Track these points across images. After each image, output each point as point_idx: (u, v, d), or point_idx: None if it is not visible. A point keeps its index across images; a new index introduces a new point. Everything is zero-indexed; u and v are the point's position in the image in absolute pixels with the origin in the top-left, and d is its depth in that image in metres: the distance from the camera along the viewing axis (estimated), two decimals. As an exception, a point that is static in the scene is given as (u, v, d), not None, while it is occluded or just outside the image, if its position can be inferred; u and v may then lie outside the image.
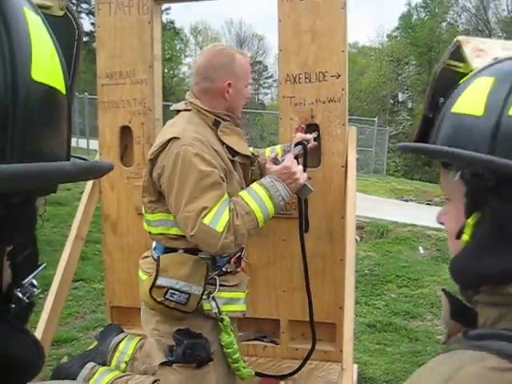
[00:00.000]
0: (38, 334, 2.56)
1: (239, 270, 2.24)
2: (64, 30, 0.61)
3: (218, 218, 1.91)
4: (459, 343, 0.68)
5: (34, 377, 0.59)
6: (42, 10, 0.54)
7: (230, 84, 2.10)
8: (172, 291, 2.02)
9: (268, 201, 2.03)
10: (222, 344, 2.12)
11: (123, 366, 2.58)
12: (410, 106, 34.89)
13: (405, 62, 33.49)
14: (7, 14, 0.48)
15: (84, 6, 29.65)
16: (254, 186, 2.07)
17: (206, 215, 1.90)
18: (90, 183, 2.99)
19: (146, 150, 2.89)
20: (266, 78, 41.25)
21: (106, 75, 2.89)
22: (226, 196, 1.97)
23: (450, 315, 0.78)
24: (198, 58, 2.20)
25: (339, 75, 2.58)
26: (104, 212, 3.06)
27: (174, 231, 2.07)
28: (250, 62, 2.33)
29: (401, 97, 35.82)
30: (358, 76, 31.76)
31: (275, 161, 2.17)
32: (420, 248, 7.90)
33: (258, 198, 2.02)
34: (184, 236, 2.00)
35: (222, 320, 2.11)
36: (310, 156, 2.42)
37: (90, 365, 2.55)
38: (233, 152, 2.13)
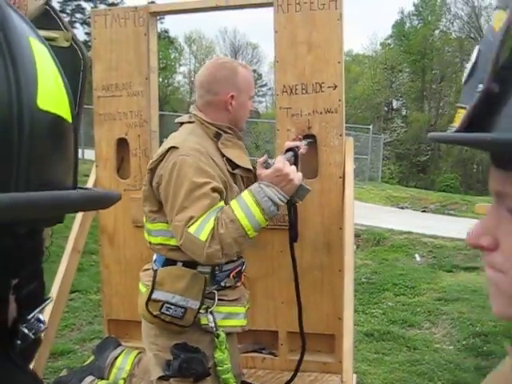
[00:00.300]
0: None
1: (239, 284, 2.23)
2: (70, 60, 0.61)
3: (202, 228, 1.90)
4: None
5: None
6: (47, 41, 0.53)
7: (232, 96, 2.12)
8: (168, 305, 2.00)
9: (255, 207, 1.96)
10: (215, 361, 2.09)
11: (121, 382, 2.56)
12: (404, 113, 35.07)
13: (398, 69, 33.70)
14: (13, 43, 0.47)
15: (78, 15, 29.71)
16: (243, 193, 2.03)
17: (192, 224, 1.90)
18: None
19: (142, 162, 2.89)
20: (261, 86, 41.33)
21: (102, 87, 2.88)
22: (217, 206, 1.95)
23: None
24: (200, 72, 2.21)
25: (336, 86, 2.59)
26: (101, 224, 3.04)
27: (173, 242, 2.05)
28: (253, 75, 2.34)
29: (395, 104, 35.98)
30: (352, 84, 31.90)
31: (266, 165, 2.09)
32: (416, 255, 7.91)
33: (244, 206, 1.96)
34: None
35: (217, 336, 2.08)
36: (307, 167, 2.42)
37: (90, 378, 2.53)
38: (233, 165, 2.13)
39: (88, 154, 11.86)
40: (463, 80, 0.55)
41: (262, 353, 2.90)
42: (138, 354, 2.66)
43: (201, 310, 2.05)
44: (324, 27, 2.57)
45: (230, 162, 2.11)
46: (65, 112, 0.53)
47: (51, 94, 0.51)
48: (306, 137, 2.62)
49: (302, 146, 2.34)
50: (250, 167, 2.22)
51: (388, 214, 10.82)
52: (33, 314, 0.56)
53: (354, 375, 2.69)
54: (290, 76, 2.63)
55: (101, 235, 3.05)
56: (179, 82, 40.82)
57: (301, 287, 2.53)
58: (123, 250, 3.00)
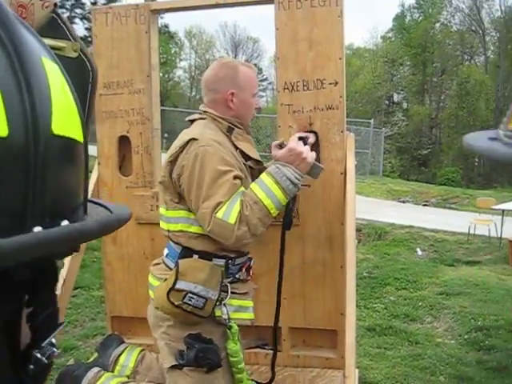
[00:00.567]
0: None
1: (249, 278, 2.28)
2: (77, 71, 0.60)
3: (230, 211, 1.98)
4: None
5: None
6: (54, 51, 0.52)
7: (232, 93, 2.18)
8: (190, 295, 2.03)
9: (275, 187, 2.06)
10: (228, 352, 2.13)
11: (125, 379, 2.58)
12: (405, 106, 35.01)
13: (399, 62, 33.61)
14: (27, 66, 0.47)
15: (78, 11, 29.60)
16: (262, 175, 2.12)
17: (219, 210, 1.97)
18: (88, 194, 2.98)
19: (144, 160, 2.90)
20: (261, 80, 41.25)
21: (104, 85, 2.88)
22: (240, 190, 2.04)
23: None
24: (206, 72, 2.29)
25: (337, 82, 2.59)
26: (103, 221, 3.05)
27: (193, 229, 2.10)
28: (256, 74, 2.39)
29: (396, 97, 35.95)
30: (352, 77, 31.81)
31: (280, 145, 2.25)
32: (418, 250, 7.92)
33: (264, 187, 2.06)
34: (203, 235, 2.06)
35: (230, 327, 2.12)
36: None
37: (96, 369, 2.55)
38: (246, 157, 2.22)
39: (90, 149, 11.84)
40: None
41: (264, 349, 2.91)
42: (141, 351, 2.67)
43: (216, 302, 2.09)
44: (325, 24, 2.57)
45: (243, 154, 2.20)
46: (77, 133, 0.54)
47: (65, 117, 0.51)
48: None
49: (311, 135, 2.42)
50: (260, 159, 2.32)
51: (389, 208, 10.84)
52: (47, 340, 0.56)
53: (356, 370, 2.70)
54: (291, 73, 2.64)
55: (103, 232, 3.06)
56: (180, 77, 40.86)
57: (303, 282, 2.54)
58: (126, 247, 3.01)
